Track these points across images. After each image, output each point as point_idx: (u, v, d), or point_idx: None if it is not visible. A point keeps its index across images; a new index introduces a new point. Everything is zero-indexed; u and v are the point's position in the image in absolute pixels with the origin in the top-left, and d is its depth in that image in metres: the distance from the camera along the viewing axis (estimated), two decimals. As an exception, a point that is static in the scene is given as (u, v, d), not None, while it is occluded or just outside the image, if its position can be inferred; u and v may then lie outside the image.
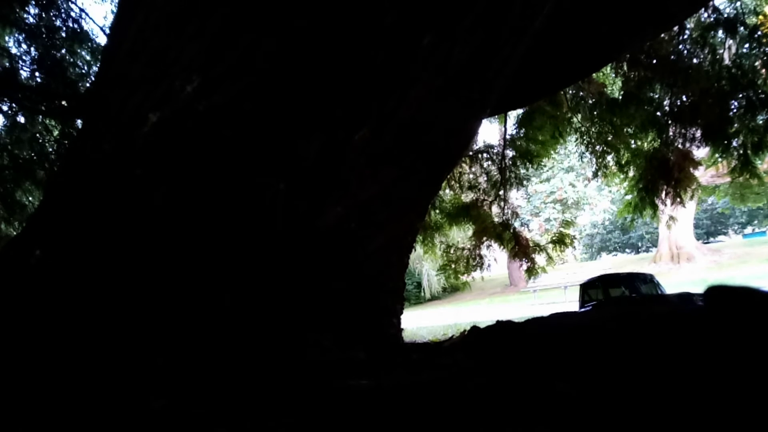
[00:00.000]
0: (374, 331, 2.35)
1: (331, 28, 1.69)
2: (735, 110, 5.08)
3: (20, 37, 4.96)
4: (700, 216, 27.89)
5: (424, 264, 19.55)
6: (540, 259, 6.17)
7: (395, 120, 1.93)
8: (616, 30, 3.16)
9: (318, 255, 2.02)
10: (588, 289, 6.48)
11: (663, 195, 5.55)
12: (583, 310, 6.89)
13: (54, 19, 4.97)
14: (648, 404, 0.96)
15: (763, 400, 0.87)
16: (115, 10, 4.99)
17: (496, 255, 6.98)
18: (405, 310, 2.92)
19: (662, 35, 4.91)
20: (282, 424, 1.13)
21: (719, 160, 5.54)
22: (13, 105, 4.74)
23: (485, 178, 6.44)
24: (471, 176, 6.55)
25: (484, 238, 6.08)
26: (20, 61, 4.92)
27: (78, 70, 5.16)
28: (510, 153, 6.19)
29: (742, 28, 4.84)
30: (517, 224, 6.54)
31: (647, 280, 6.80)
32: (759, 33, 4.85)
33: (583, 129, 6.15)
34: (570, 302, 12.75)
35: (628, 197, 6.27)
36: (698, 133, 5.19)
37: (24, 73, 4.90)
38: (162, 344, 1.61)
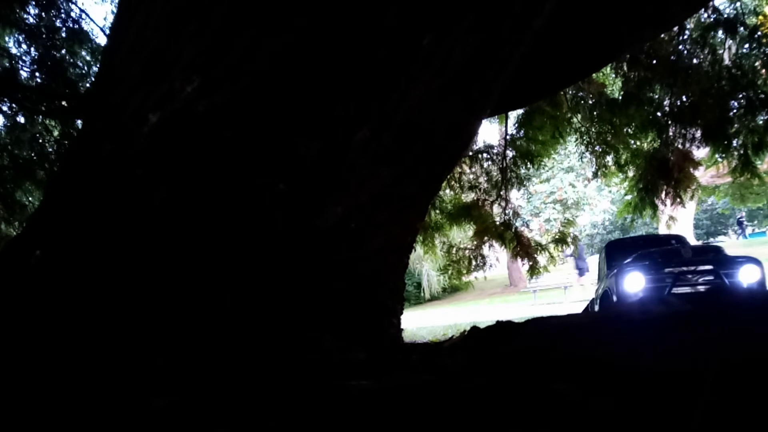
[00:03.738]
0: (374, 331, 2.35)
1: (331, 27, 1.69)
2: (735, 110, 5.08)
3: (20, 37, 4.96)
4: (700, 216, 27.90)
5: (424, 264, 19.55)
6: (542, 258, 6.18)
7: (395, 120, 1.93)
8: (616, 30, 3.16)
9: (318, 255, 2.02)
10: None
11: (663, 195, 5.55)
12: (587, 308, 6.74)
13: (54, 19, 4.97)
14: (649, 405, 0.96)
15: (762, 402, 0.87)
16: (115, 11, 4.99)
17: (497, 255, 6.98)
18: (405, 310, 2.91)
19: (662, 35, 4.91)
20: (283, 424, 1.13)
21: (719, 160, 5.55)
22: (13, 105, 4.74)
23: (486, 178, 6.44)
24: (471, 176, 6.55)
25: (486, 238, 6.09)
26: (20, 61, 4.92)
27: (78, 70, 5.16)
28: (510, 153, 6.19)
29: (742, 29, 4.84)
30: (518, 224, 6.54)
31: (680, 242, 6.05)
32: (759, 33, 4.85)
33: (582, 129, 6.15)
34: (570, 302, 12.74)
35: (628, 197, 6.28)
36: (698, 133, 5.19)
37: (24, 73, 4.90)
38: (162, 344, 1.61)
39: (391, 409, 1.13)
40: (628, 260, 5.12)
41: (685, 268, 4.53)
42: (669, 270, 4.53)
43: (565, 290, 14.42)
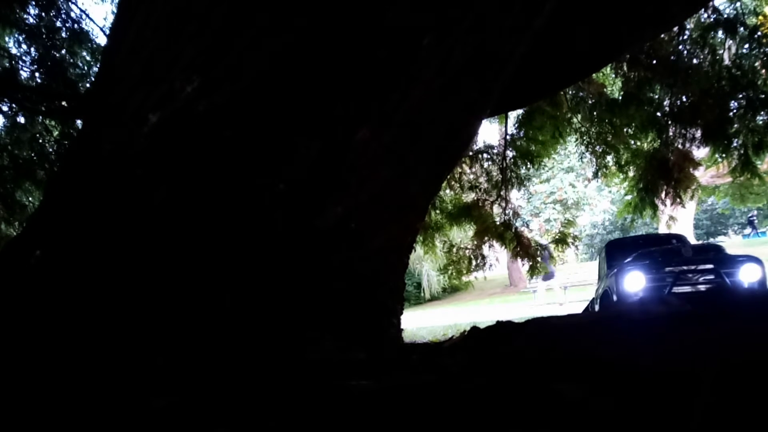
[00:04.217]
0: (374, 331, 2.34)
1: (331, 27, 1.69)
2: (735, 110, 5.08)
3: (20, 38, 4.96)
4: (700, 216, 27.91)
5: (424, 264, 19.54)
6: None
7: (395, 120, 1.93)
8: (616, 30, 3.16)
9: (318, 255, 2.02)
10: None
11: (663, 195, 5.55)
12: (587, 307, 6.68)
13: (54, 19, 4.97)
14: (649, 405, 0.96)
15: (761, 402, 0.87)
16: (115, 11, 4.99)
17: (497, 255, 6.98)
18: (405, 310, 2.91)
19: (662, 35, 4.91)
20: (283, 424, 1.13)
21: (719, 160, 5.54)
22: (13, 105, 4.74)
23: (486, 178, 6.44)
24: (471, 176, 6.55)
25: (486, 238, 6.09)
26: (20, 61, 4.92)
27: (78, 71, 5.16)
28: (510, 153, 6.19)
29: (742, 29, 4.84)
30: (518, 224, 6.54)
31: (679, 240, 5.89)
32: (759, 33, 4.85)
33: (583, 129, 6.16)
34: (570, 302, 12.75)
35: (628, 197, 6.28)
36: (698, 133, 5.19)
37: (24, 74, 4.91)
38: (162, 344, 1.61)
39: (391, 409, 1.13)
40: (628, 260, 5.07)
41: (685, 267, 4.46)
42: (669, 269, 4.46)
43: (565, 290, 14.41)
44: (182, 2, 1.80)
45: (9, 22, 4.55)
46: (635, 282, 4.53)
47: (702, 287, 4.35)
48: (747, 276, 4.34)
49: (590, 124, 6.04)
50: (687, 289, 4.36)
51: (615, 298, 4.85)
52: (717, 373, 0.97)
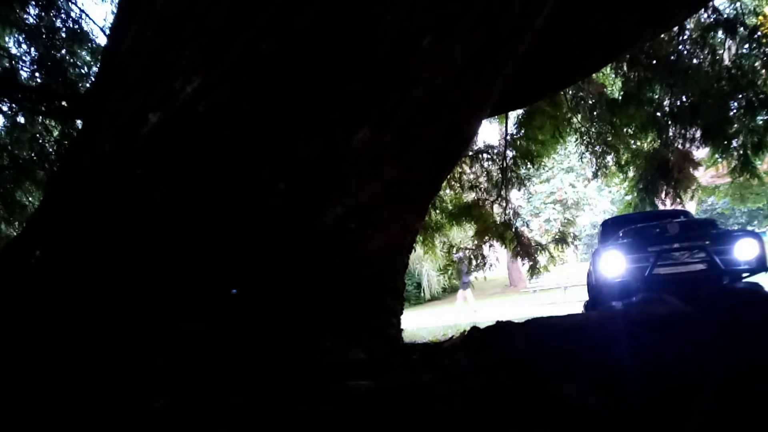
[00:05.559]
0: (374, 331, 2.34)
1: (331, 28, 1.69)
2: (735, 110, 5.08)
3: (20, 38, 4.96)
4: (700, 216, 27.89)
5: (424, 264, 19.51)
6: (542, 258, 6.19)
7: (395, 120, 1.93)
8: (616, 30, 3.16)
9: (317, 255, 2.02)
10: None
11: (663, 195, 5.54)
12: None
13: (54, 19, 4.98)
14: (649, 405, 0.96)
15: (762, 400, 0.87)
16: (115, 11, 4.99)
17: (497, 255, 6.98)
18: (405, 310, 2.91)
19: (662, 35, 4.91)
20: (282, 424, 1.13)
21: (719, 160, 5.54)
22: (13, 105, 4.74)
23: (486, 178, 6.44)
24: (472, 176, 6.56)
25: (486, 238, 6.09)
26: (20, 61, 4.92)
27: (78, 71, 5.16)
28: (510, 153, 6.19)
29: (741, 29, 4.84)
30: (518, 224, 6.54)
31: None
32: (759, 33, 4.85)
33: (582, 129, 6.16)
34: (570, 302, 12.74)
35: (628, 197, 6.28)
36: (698, 134, 5.19)
37: (24, 74, 4.91)
38: (162, 344, 1.61)
39: (391, 409, 1.13)
40: (611, 239, 4.61)
41: (669, 246, 3.95)
42: (651, 248, 3.95)
43: (564, 290, 14.41)
44: (182, 2, 1.80)
45: (9, 22, 4.55)
46: (614, 263, 4.02)
47: (689, 267, 3.85)
48: (743, 253, 3.84)
49: (590, 124, 6.05)
50: (671, 270, 3.87)
51: (594, 280, 4.37)
52: (717, 374, 0.97)
